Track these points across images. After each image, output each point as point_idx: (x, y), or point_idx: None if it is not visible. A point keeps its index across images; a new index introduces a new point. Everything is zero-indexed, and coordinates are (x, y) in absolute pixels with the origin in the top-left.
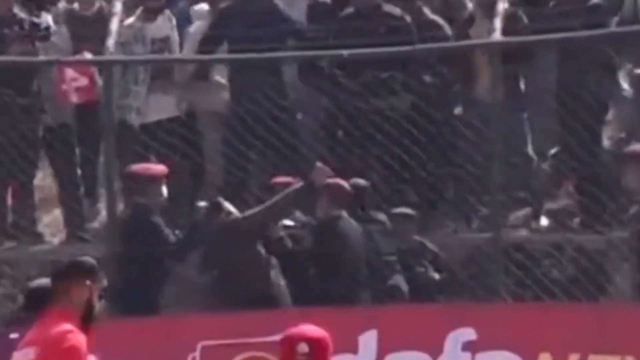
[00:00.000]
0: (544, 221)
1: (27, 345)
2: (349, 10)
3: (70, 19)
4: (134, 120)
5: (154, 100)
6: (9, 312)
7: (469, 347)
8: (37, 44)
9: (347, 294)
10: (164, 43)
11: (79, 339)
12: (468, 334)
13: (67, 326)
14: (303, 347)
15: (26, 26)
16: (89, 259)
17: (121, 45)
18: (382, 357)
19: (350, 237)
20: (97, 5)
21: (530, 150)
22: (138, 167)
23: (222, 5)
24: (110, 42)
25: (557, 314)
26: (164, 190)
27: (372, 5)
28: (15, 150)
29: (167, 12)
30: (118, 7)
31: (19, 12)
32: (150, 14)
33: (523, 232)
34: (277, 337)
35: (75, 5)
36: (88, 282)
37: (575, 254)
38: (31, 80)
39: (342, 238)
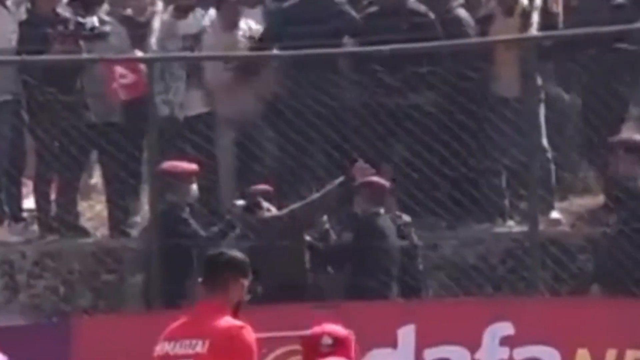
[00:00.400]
0: (555, 214)
1: (191, 336)
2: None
3: (124, 21)
4: (179, 114)
5: (192, 95)
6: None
7: (506, 341)
8: (89, 43)
9: (383, 289)
10: (195, 39)
11: (252, 336)
12: (506, 328)
13: (238, 322)
14: (327, 340)
15: (71, 26)
16: (242, 256)
17: (157, 43)
18: (421, 351)
19: (388, 234)
20: (149, 10)
21: (545, 143)
22: (168, 165)
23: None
24: (153, 40)
25: (594, 309)
26: (195, 187)
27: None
28: (59, 146)
29: (198, 9)
30: (160, 5)
31: (63, 12)
32: (182, 12)
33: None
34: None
35: (129, 11)
36: (243, 281)
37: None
38: (75, 78)
39: (380, 235)
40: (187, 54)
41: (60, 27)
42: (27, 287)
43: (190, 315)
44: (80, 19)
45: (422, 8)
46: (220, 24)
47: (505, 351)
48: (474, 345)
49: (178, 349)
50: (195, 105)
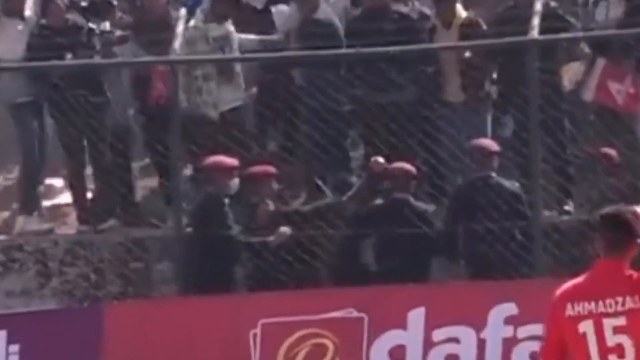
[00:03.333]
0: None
1: (611, 294)
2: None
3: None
4: (212, 114)
5: (223, 91)
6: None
7: (511, 321)
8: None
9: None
10: (224, 40)
11: None
12: (510, 308)
13: None
14: None
15: (83, 32)
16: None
17: (187, 43)
18: (430, 332)
19: (415, 218)
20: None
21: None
22: (210, 160)
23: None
24: (177, 44)
25: None
26: (236, 181)
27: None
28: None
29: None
30: (183, 11)
31: (76, 20)
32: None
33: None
34: (333, 314)
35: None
36: (638, 240)
37: None
38: (102, 81)
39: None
40: (210, 56)
41: (75, 37)
42: (60, 274)
43: (592, 274)
44: (92, 25)
45: (406, 10)
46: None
47: (509, 330)
48: (480, 325)
49: (603, 307)
50: (228, 100)
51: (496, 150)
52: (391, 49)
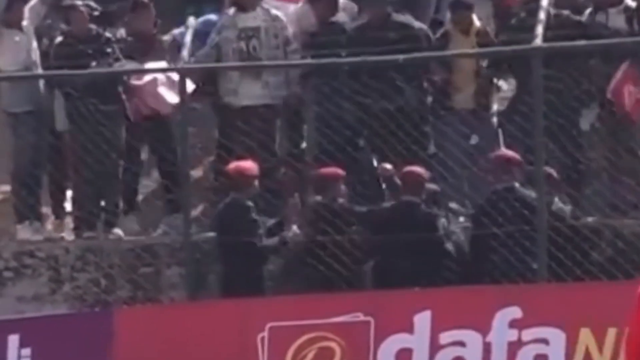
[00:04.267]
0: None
1: None
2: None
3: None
4: (233, 101)
5: (246, 85)
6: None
7: (515, 324)
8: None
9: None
10: (254, 32)
11: None
12: (514, 312)
13: None
14: None
15: (102, 40)
16: None
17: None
18: (436, 335)
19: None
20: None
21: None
22: (234, 166)
23: None
24: (185, 53)
25: (596, 292)
26: (256, 184)
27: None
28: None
29: (261, 6)
30: (192, 20)
31: (95, 28)
32: (242, 7)
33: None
34: (340, 318)
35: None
36: None
37: (613, 237)
38: (114, 89)
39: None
40: (217, 64)
41: (94, 44)
42: (71, 279)
43: None
44: (107, 34)
45: (408, 20)
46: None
47: (514, 333)
48: (485, 329)
49: None
50: (253, 95)
51: (519, 161)
52: (400, 57)
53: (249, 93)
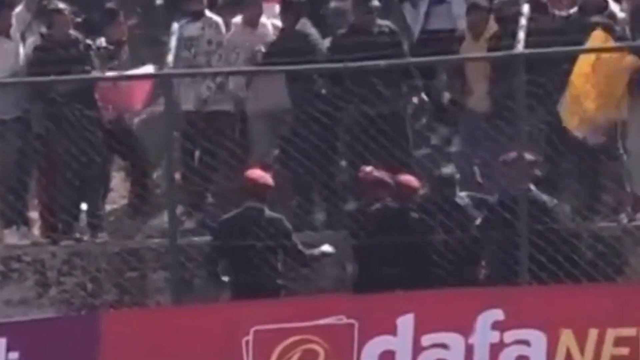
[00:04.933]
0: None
1: None
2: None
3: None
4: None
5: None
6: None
7: (497, 326)
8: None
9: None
10: (194, 40)
11: None
12: (497, 314)
13: None
14: None
15: (81, 47)
16: None
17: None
18: (419, 338)
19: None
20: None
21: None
22: (250, 174)
23: None
24: (170, 57)
25: (577, 294)
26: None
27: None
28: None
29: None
30: (176, 26)
31: (76, 34)
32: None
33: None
34: (324, 321)
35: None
36: None
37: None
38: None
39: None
40: (201, 69)
41: (74, 50)
42: (58, 283)
43: None
44: (88, 41)
45: (390, 26)
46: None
47: (496, 335)
48: (467, 331)
49: None
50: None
51: (535, 161)
52: (381, 62)
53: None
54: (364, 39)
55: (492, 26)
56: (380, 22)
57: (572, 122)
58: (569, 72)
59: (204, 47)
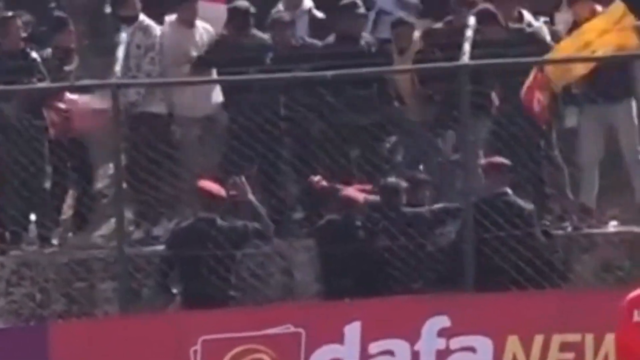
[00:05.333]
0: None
1: None
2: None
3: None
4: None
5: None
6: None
7: (444, 333)
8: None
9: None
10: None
11: None
12: (443, 321)
13: None
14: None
15: (29, 60)
16: None
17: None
18: (366, 345)
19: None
20: None
21: None
22: (208, 186)
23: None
24: (118, 67)
25: (523, 300)
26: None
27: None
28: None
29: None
30: (124, 36)
31: (25, 45)
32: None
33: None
34: (271, 330)
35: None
36: None
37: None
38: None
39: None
40: (149, 79)
41: (22, 61)
42: (6, 294)
43: None
44: (35, 54)
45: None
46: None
47: (442, 342)
48: (414, 338)
49: None
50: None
51: (508, 166)
52: (328, 73)
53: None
54: (352, 48)
55: (417, 42)
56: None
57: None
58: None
59: (133, 52)
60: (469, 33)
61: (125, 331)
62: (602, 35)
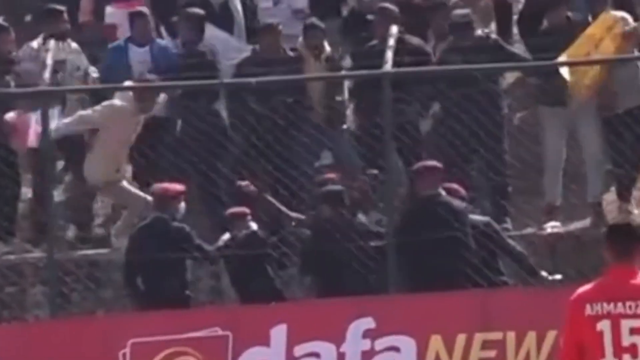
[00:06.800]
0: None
1: (629, 297)
2: None
3: None
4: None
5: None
6: None
7: (368, 334)
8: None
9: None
10: (60, 65)
11: None
12: (368, 323)
13: None
14: None
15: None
16: None
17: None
18: (292, 347)
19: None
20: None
21: None
22: (160, 187)
23: None
24: (46, 75)
25: (446, 300)
26: (183, 205)
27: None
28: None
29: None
30: (52, 43)
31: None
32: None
33: None
34: (199, 333)
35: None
36: None
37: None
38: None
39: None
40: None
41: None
42: None
43: (607, 279)
44: None
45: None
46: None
47: (367, 343)
48: (339, 340)
49: (622, 309)
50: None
51: (442, 169)
52: (253, 80)
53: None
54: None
55: (327, 48)
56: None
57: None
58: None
59: (73, 73)
60: (391, 42)
61: (55, 335)
62: (599, 43)
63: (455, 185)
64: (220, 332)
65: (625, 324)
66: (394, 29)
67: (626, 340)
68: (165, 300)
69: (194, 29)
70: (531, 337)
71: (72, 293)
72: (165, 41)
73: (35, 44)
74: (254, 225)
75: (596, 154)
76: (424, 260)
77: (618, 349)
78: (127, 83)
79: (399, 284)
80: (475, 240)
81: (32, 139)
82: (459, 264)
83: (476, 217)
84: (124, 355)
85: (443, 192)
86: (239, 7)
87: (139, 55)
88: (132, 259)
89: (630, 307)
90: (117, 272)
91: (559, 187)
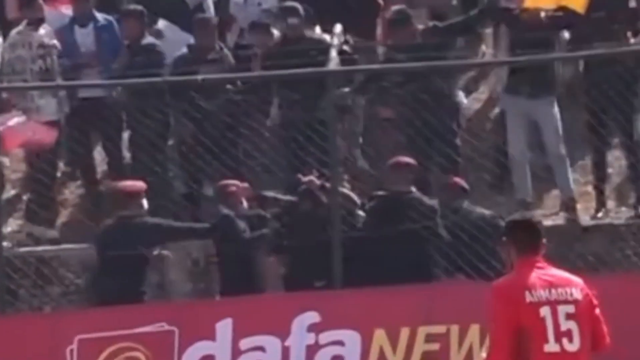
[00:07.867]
0: None
1: (561, 285)
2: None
3: None
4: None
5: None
6: None
7: (313, 328)
8: None
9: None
10: (45, 49)
11: None
12: (312, 317)
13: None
14: None
15: None
16: None
17: (9, 47)
18: (237, 342)
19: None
20: None
21: None
22: (120, 184)
23: None
24: None
25: (389, 295)
26: (144, 202)
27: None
28: None
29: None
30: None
31: None
32: (33, 25)
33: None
34: (145, 329)
35: None
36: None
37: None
38: None
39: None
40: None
41: None
42: None
43: (524, 271)
44: None
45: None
46: None
47: (311, 337)
48: (284, 334)
49: (556, 295)
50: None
51: (415, 165)
52: (200, 77)
53: (47, 110)
54: (294, 48)
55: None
56: (309, 32)
57: None
58: None
59: None
60: (335, 41)
61: (2, 332)
62: None
63: (457, 179)
64: (166, 327)
65: (562, 310)
66: (338, 28)
67: (564, 325)
68: (120, 297)
69: (136, 26)
70: (474, 330)
71: (19, 290)
72: (108, 18)
73: None
74: (224, 210)
75: (557, 147)
76: (389, 255)
77: (558, 334)
78: None
79: (347, 279)
80: (480, 233)
81: None
82: (426, 260)
83: (482, 210)
84: (71, 351)
85: (414, 189)
86: (212, 7)
87: (83, 36)
88: (103, 258)
89: (561, 293)
90: (64, 269)
91: (528, 182)
